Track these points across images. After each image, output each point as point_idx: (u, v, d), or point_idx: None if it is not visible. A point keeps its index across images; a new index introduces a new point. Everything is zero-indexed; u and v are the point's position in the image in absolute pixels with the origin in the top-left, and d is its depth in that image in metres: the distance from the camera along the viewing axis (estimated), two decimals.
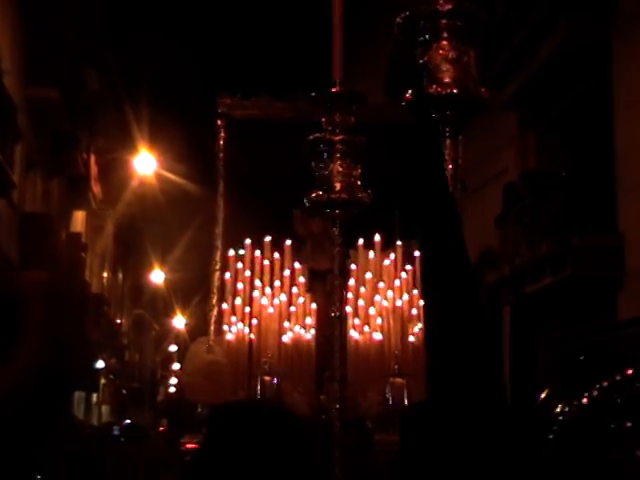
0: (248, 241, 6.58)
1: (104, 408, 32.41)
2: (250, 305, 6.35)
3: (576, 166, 13.27)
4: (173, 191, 24.91)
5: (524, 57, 13.98)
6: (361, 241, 6.59)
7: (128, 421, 26.10)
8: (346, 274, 3.02)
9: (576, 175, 12.94)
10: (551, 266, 12.88)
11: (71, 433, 11.85)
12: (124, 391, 34.56)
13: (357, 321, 6.32)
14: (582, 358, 1.65)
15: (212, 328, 6.36)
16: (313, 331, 6.38)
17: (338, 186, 2.82)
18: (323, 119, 2.87)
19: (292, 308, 6.40)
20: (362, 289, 6.46)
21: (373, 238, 6.67)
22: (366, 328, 6.37)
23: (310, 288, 6.68)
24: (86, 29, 20.29)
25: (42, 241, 16.70)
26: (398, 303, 6.41)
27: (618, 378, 1.48)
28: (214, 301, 6.38)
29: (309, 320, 6.42)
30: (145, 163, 24.33)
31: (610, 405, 1.47)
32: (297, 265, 6.60)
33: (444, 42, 2.10)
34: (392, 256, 6.67)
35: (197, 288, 22.93)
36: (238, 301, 6.39)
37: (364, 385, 6.17)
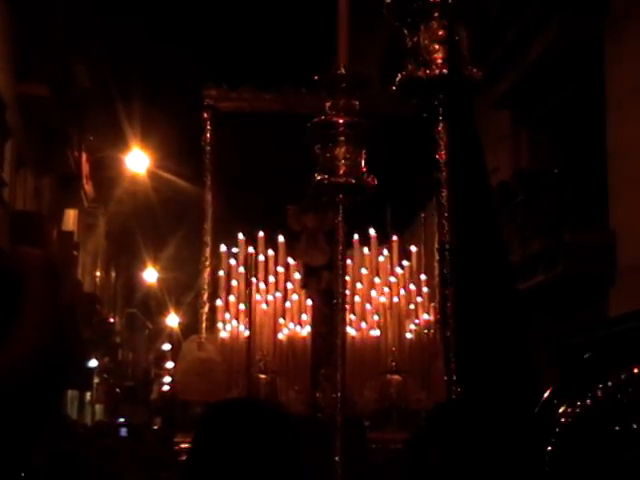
0: (241, 237, 6.48)
1: (97, 407, 32.33)
2: (246, 302, 6.26)
3: (568, 164, 13.30)
4: (166, 189, 24.78)
5: (516, 55, 13.98)
6: (356, 237, 6.50)
7: (122, 419, 26.06)
8: (345, 267, 2.91)
9: (568, 173, 12.96)
10: (543, 263, 12.89)
11: (63, 431, 11.77)
12: (118, 390, 34.48)
13: (353, 317, 6.23)
14: (587, 356, 1.53)
15: (204, 325, 6.25)
16: (309, 328, 6.28)
17: (342, 170, 2.72)
18: (327, 103, 2.79)
19: (287, 304, 6.31)
20: (358, 285, 6.37)
21: (368, 234, 6.59)
22: (362, 324, 6.28)
23: (305, 285, 6.59)
24: (75, 25, 20.15)
25: (33, 240, 16.56)
26: (395, 299, 6.32)
27: (623, 377, 1.36)
28: (205, 298, 6.27)
29: (304, 317, 6.33)
30: (137, 161, 24.19)
31: (616, 406, 1.35)
32: (291, 261, 6.50)
33: (434, 22, 2.03)
34: (385, 252, 6.58)
35: (190, 286, 22.84)
36: (232, 298, 6.29)
37: (360, 382, 6.08)
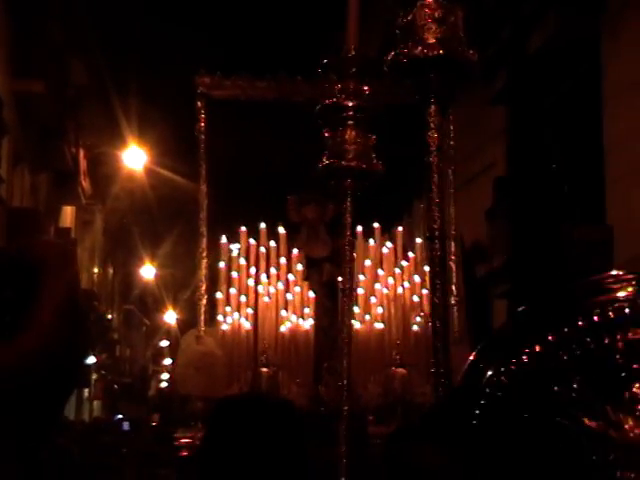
0: (243, 229, 6.39)
1: (95, 404, 32.33)
2: (253, 293, 6.17)
3: (565, 159, 13.34)
4: (163, 185, 24.70)
5: (513, 50, 14.00)
6: (360, 228, 6.41)
7: (120, 416, 26.04)
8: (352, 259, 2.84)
9: (565, 168, 13.00)
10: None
11: (61, 427, 11.74)
12: (115, 386, 34.48)
13: (357, 310, 6.13)
14: (522, 309, 1.32)
15: (202, 318, 6.16)
16: (311, 321, 6.19)
17: (351, 154, 2.64)
18: (336, 87, 2.71)
19: (289, 296, 6.21)
20: (362, 277, 6.28)
21: (372, 225, 6.50)
22: (367, 317, 6.19)
23: (306, 277, 6.50)
24: (71, 21, 20.05)
25: (31, 236, 16.47)
26: (399, 291, 6.23)
27: (566, 330, 1.19)
28: (203, 290, 6.18)
29: (307, 310, 6.24)
30: (135, 157, 24.13)
31: (555, 364, 1.17)
32: (295, 251, 6.41)
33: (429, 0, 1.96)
34: (389, 244, 6.49)
35: (188, 283, 22.77)
36: (233, 291, 6.20)
37: (364, 376, 5.99)
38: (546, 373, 1.17)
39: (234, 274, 6.25)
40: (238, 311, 6.14)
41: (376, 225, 6.48)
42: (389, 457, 2.47)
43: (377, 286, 6.27)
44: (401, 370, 6.02)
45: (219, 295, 6.24)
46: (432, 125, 1.93)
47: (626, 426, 1.12)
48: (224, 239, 6.42)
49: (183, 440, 5.97)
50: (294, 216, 6.84)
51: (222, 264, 6.30)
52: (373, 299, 6.22)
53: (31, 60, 16.81)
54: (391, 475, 2.40)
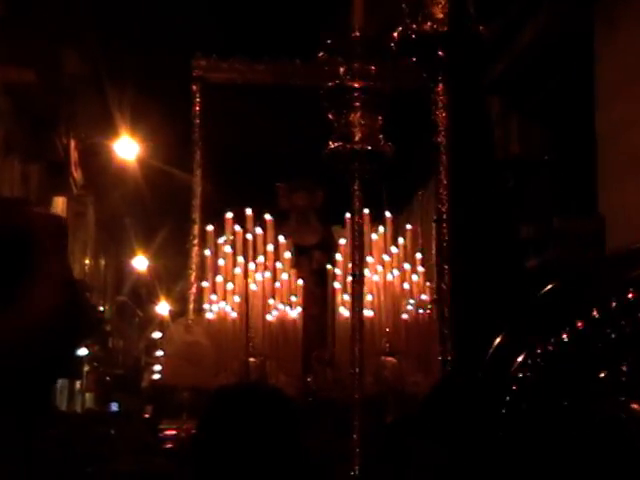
0: (229, 215, 6.27)
1: (88, 396, 32.24)
2: (240, 281, 6.06)
3: (558, 150, 13.35)
4: (156, 176, 24.58)
5: (507, 41, 13.99)
6: (348, 215, 6.29)
7: (114, 407, 25.97)
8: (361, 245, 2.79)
9: (558, 159, 13.01)
10: (533, 249, 12.93)
11: (54, 417, 11.66)
12: (108, 378, 34.40)
13: (346, 297, 6.02)
14: (554, 285, 1.18)
15: (190, 307, 6.05)
16: (299, 309, 6.08)
17: (359, 137, 2.56)
18: (342, 68, 2.63)
19: (277, 284, 6.10)
20: (350, 265, 6.16)
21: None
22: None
23: (295, 264, 6.39)
24: (63, 9, 19.91)
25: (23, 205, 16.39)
26: (389, 278, 6.12)
27: (614, 305, 1.05)
28: (192, 278, 6.07)
29: (294, 298, 6.12)
30: (127, 148, 23.99)
31: (600, 343, 1.03)
32: (281, 239, 6.29)
33: None
34: (381, 229, 6.38)
35: (180, 274, 22.67)
36: (219, 279, 6.08)
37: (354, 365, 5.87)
38: (590, 354, 1.05)
39: (220, 262, 6.14)
40: (224, 299, 6.02)
41: (365, 211, 6.37)
42: (395, 449, 2.39)
43: (367, 273, 6.16)
44: (391, 359, 5.92)
45: (205, 284, 6.13)
46: (440, 104, 1.84)
47: None
48: (210, 227, 6.31)
49: (168, 432, 5.88)
50: (284, 203, 6.73)
51: (208, 252, 6.18)
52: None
53: (22, 49, 16.68)
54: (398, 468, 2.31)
